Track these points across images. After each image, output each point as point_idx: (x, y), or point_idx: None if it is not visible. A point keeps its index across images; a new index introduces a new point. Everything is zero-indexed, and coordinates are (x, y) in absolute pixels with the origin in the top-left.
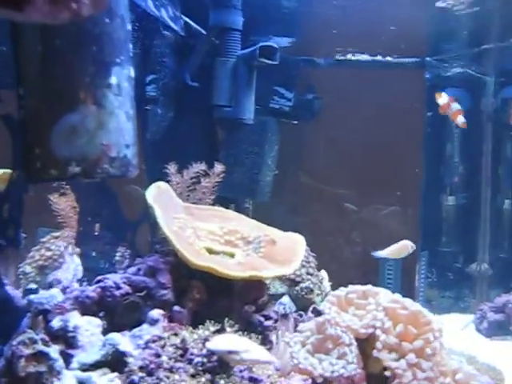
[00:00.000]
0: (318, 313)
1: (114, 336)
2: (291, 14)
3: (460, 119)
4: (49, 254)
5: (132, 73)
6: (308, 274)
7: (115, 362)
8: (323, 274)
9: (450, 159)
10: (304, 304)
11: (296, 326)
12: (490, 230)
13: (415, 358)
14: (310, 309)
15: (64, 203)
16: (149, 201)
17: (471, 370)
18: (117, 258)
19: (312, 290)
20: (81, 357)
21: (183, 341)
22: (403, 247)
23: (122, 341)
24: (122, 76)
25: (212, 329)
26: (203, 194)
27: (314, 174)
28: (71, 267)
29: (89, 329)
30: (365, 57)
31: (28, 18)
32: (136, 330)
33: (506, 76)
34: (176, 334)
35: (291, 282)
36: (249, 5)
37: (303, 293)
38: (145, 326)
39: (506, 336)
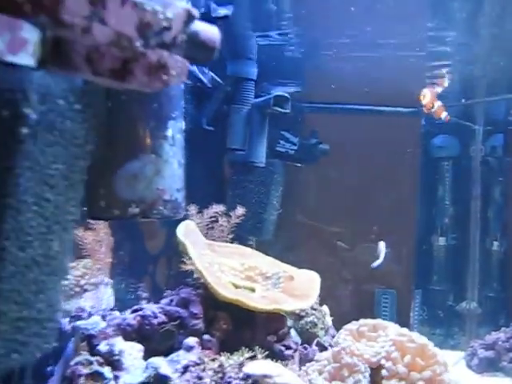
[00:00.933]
0: (321, 346)
1: (155, 360)
2: (297, 64)
3: (444, 114)
4: (82, 282)
5: (183, 126)
6: (312, 309)
7: (156, 382)
8: (325, 309)
9: (441, 201)
10: (308, 337)
11: (301, 358)
12: (479, 269)
13: None
14: (314, 342)
15: (90, 237)
16: (180, 237)
17: None
18: (141, 290)
19: (316, 324)
20: (126, 378)
21: (221, 365)
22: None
23: (162, 364)
24: (176, 129)
25: (246, 355)
26: (221, 232)
27: (310, 214)
28: (105, 297)
29: (132, 353)
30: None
31: (127, 86)
32: (173, 356)
33: (492, 125)
34: (213, 360)
35: (296, 316)
36: (260, 56)
37: (308, 327)
38: (181, 352)
39: (495, 372)
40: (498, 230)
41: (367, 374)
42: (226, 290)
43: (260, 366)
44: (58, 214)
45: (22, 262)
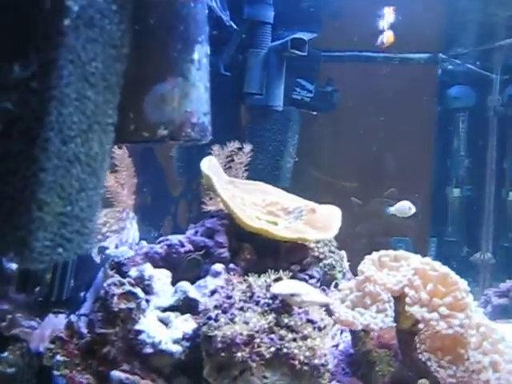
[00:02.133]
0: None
1: (184, 284)
2: (315, 10)
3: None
4: (111, 220)
5: (208, 50)
6: (330, 251)
7: (186, 307)
8: (343, 253)
9: (457, 153)
10: (326, 280)
11: None
12: (494, 220)
13: (447, 311)
14: (333, 284)
15: (112, 180)
16: (204, 170)
17: (492, 325)
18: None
19: (334, 267)
20: (156, 301)
21: (249, 286)
22: (404, 204)
23: (191, 289)
24: (202, 53)
25: (273, 277)
26: (236, 170)
27: (323, 167)
28: (131, 232)
29: (161, 278)
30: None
31: None
32: (201, 282)
33: (510, 73)
34: (241, 282)
35: (315, 258)
36: (277, 0)
37: (326, 269)
38: (208, 278)
39: (509, 319)
40: None
41: (391, 304)
42: (251, 220)
43: (287, 285)
44: (98, 114)
45: (64, 155)
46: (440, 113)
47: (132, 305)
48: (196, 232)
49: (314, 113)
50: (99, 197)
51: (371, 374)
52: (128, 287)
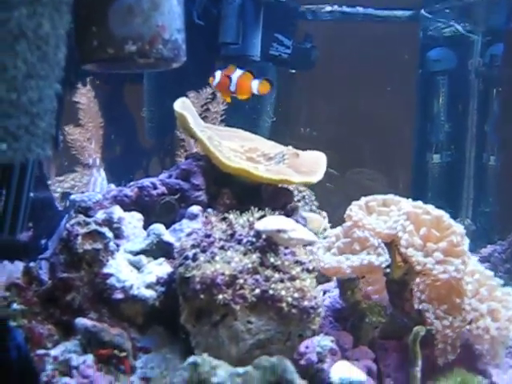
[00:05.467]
0: None
1: (157, 226)
2: None
3: None
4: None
5: None
6: (311, 211)
7: (160, 251)
8: (324, 213)
9: (437, 117)
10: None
11: None
12: (475, 186)
13: (442, 256)
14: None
15: (77, 133)
16: (177, 110)
17: (486, 272)
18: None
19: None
20: (127, 246)
21: (230, 224)
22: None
23: (165, 232)
24: None
25: (256, 215)
26: (213, 120)
27: (298, 133)
28: (98, 181)
29: (131, 222)
30: (361, 9)
31: None
32: (176, 225)
33: (492, 35)
34: (222, 220)
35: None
36: None
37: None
38: (184, 221)
39: None
40: (496, 143)
41: (384, 249)
42: (230, 160)
43: (272, 221)
44: None
45: (5, 24)
46: (421, 76)
47: (99, 245)
48: (170, 176)
49: (293, 71)
50: (54, 97)
51: (361, 326)
52: (94, 226)
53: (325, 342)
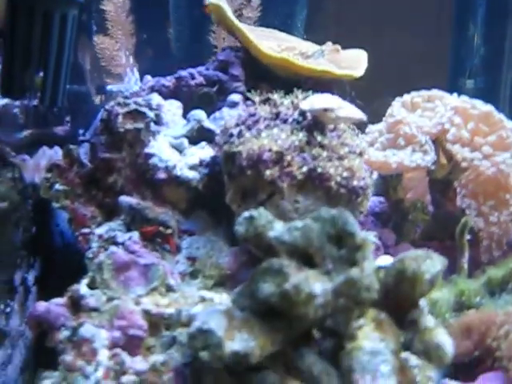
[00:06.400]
0: None
1: (198, 112)
2: None
3: None
4: None
5: None
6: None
7: (200, 138)
8: None
9: (472, 41)
10: None
11: None
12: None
13: (490, 150)
14: None
15: (107, 42)
16: (213, 1)
17: None
18: None
19: None
20: (167, 132)
21: (275, 104)
22: None
23: (206, 119)
24: None
25: (301, 96)
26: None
27: None
28: (132, 80)
29: (170, 109)
30: None
31: None
32: (216, 114)
33: None
34: (265, 101)
35: None
36: None
37: None
38: (225, 109)
39: None
40: None
41: (430, 145)
42: (270, 50)
43: (318, 99)
44: None
45: None
46: None
47: (140, 125)
48: (207, 68)
49: None
50: None
51: (403, 225)
52: (134, 106)
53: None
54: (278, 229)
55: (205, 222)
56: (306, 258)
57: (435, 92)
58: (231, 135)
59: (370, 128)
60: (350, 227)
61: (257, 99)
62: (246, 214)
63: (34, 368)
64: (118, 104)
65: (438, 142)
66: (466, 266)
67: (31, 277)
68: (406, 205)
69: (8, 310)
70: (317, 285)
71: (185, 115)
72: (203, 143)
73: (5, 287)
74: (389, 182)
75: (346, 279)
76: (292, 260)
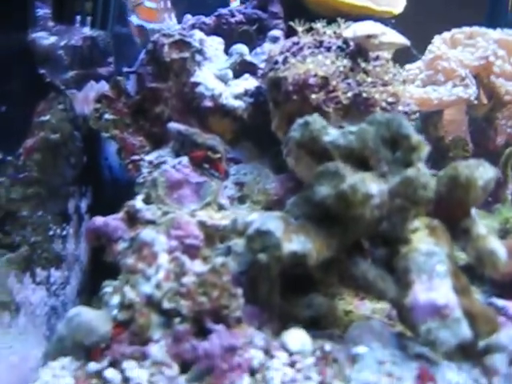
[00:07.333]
0: None
1: (240, 46)
2: None
3: None
4: None
5: None
6: None
7: (243, 71)
8: None
9: None
10: None
11: None
12: None
13: None
14: None
15: None
16: None
17: None
18: None
19: None
20: (210, 66)
21: (318, 33)
22: None
23: (248, 53)
24: None
25: (344, 25)
26: None
27: None
28: (170, 24)
29: (212, 44)
30: None
31: None
32: (257, 49)
33: None
34: (308, 31)
35: None
36: None
37: None
38: (266, 44)
39: None
40: None
41: (468, 81)
42: None
43: (361, 27)
44: None
45: None
46: None
47: (185, 54)
48: (246, 7)
49: None
50: None
51: (443, 162)
52: (179, 36)
53: None
54: (332, 133)
55: (250, 152)
56: (361, 162)
57: (477, 29)
58: (276, 62)
59: (408, 66)
60: (405, 129)
61: (299, 29)
62: (301, 120)
63: (89, 292)
64: (164, 35)
65: (480, 77)
66: (509, 197)
67: (84, 205)
68: (447, 142)
69: (64, 233)
70: (373, 185)
71: (225, 52)
72: (247, 75)
73: (60, 215)
74: (429, 119)
75: (403, 179)
76: (347, 163)
